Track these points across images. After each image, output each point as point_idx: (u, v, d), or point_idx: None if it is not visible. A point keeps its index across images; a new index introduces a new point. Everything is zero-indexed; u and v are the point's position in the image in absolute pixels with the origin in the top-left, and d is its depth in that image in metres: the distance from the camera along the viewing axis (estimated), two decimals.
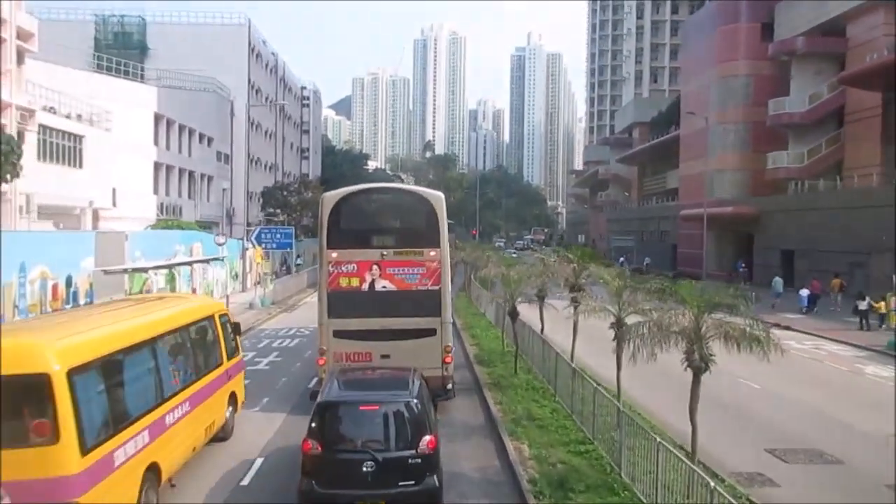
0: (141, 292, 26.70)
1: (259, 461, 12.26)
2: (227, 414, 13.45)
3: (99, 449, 8.37)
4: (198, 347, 12.66)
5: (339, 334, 14.85)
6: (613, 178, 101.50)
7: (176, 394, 11.03)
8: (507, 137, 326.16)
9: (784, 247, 46.96)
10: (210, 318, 13.50)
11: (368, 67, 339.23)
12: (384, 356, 14.75)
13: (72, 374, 8.08)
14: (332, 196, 15.52)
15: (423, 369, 13.85)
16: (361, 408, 9.47)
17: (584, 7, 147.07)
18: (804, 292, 35.71)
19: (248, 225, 58.91)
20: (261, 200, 68.21)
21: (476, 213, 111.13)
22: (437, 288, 14.99)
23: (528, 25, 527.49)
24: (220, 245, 30.31)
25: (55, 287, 20.85)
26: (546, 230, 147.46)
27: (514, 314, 17.94)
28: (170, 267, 22.08)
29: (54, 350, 8.22)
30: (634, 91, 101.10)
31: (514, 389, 16.59)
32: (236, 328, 14.77)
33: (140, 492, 9.21)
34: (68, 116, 38.90)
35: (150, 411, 9.97)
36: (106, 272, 20.85)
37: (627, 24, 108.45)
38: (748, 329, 9.28)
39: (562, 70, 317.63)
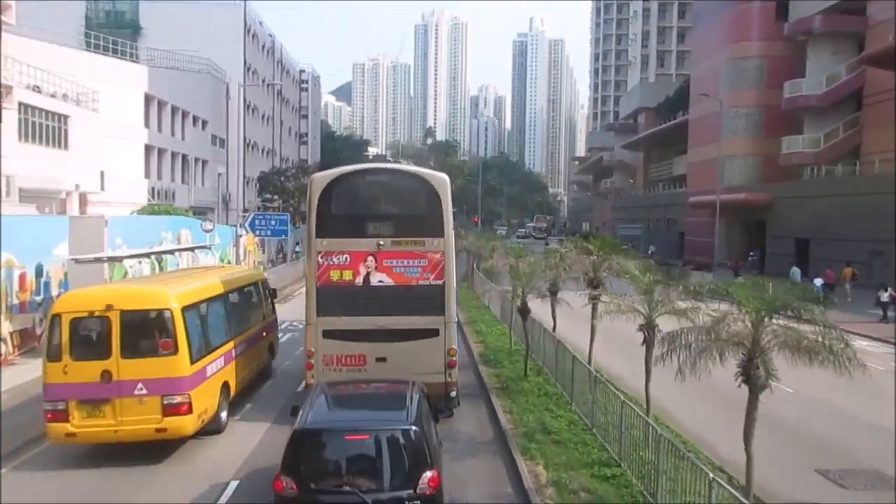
0: None
1: (233, 485, 10.56)
2: (267, 359, 17.29)
3: (198, 363, 12.12)
4: (249, 304, 16.49)
5: (328, 335, 13.13)
6: (618, 165, 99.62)
7: (238, 335, 14.69)
8: (508, 124, 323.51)
9: (799, 235, 45.14)
10: (256, 283, 17.45)
11: (369, 53, 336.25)
12: (380, 360, 13.07)
13: (183, 310, 11.92)
14: (322, 177, 13.72)
15: (423, 374, 12.31)
16: (347, 437, 7.68)
17: None
18: (818, 281, 34.22)
19: (245, 211, 57.16)
20: (257, 186, 66.43)
21: (478, 200, 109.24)
22: (440, 283, 13.23)
23: (530, 11, 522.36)
24: (207, 232, 28.53)
25: (22, 276, 19.08)
26: (548, 218, 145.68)
27: (524, 311, 16.19)
28: (148, 255, 20.37)
29: (173, 294, 12.12)
30: (640, 75, 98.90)
31: (525, 395, 14.88)
32: (273, 293, 18.37)
33: (218, 399, 12.96)
34: (53, 95, 37.04)
35: (223, 344, 13.66)
36: (77, 261, 19.11)
37: (633, 7, 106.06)
38: (824, 340, 7.55)
39: (564, 56, 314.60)
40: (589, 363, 14.68)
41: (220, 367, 13.19)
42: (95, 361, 11.29)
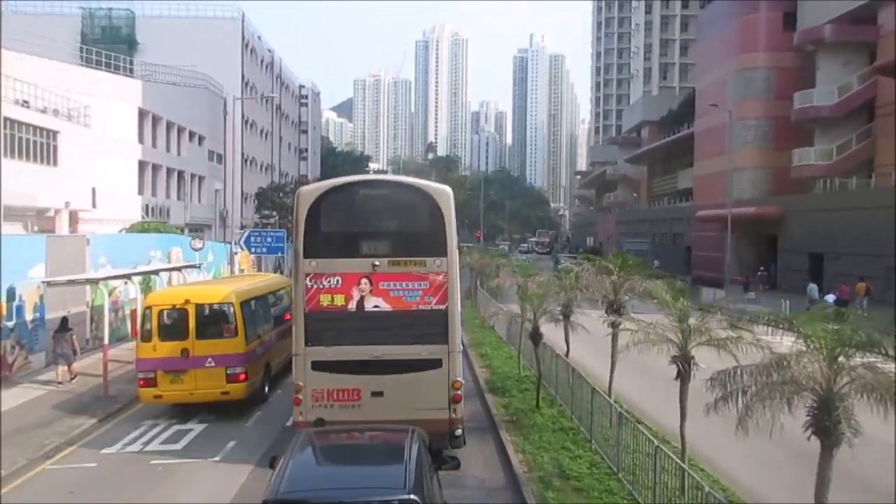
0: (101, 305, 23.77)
1: None
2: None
3: (251, 344, 15.36)
4: (283, 304, 19.00)
5: (318, 367, 11.66)
6: (621, 179, 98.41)
7: (274, 327, 17.73)
8: (509, 139, 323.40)
9: (812, 250, 43.70)
10: (285, 287, 19.77)
11: (370, 69, 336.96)
12: (376, 394, 11.63)
13: (241, 304, 15.45)
14: (309, 191, 12.26)
15: (424, 410, 11.09)
16: None
17: (588, 7, 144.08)
18: (830, 297, 33.04)
19: (242, 227, 55.94)
20: (255, 202, 65.26)
21: (480, 215, 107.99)
22: (442, 307, 11.74)
23: (531, 26, 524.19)
24: (196, 250, 27.17)
25: None
26: (551, 233, 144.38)
27: (536, 337, 14.72)
28: (129, 277, 18.99)
29: (233, 292, 15.71)
30: (643, 89, 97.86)
31: (539, 431, 13.40)
32: None
33: (262, 374, 16.18)
34: (44, 111, 35.87)
35: (266, 333, 16.92)
36: (49, 284, 17.72)
37: (636, 20, 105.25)
38: None
39: (564, 72, 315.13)
40: (609, 393, 13.27)
41: (264, 351, 16.46)
42: (177, 341, 14.76)
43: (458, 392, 11.78)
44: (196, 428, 14.43)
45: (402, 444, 7.46)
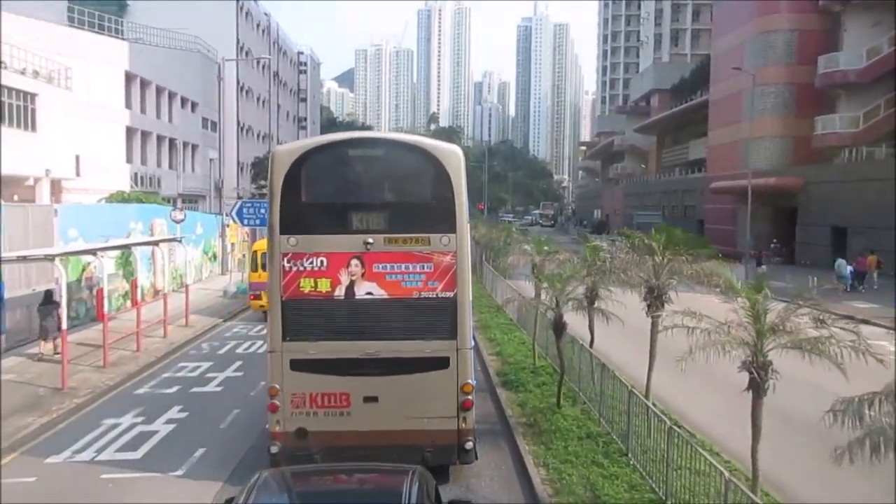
0: (80, 280, 21.82)
1: None
2: None
3: None
4: None
5: (298, 366, 9.52)
6: (629, 149, 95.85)
7: None
8: (512, 110, 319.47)
9: (835, 223, 41.47)
10: None
11: (372, 39, 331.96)
12: (369, 399, 9.54)
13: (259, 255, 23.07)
14: (287, 151, 9.94)
15: (427, 419, 9.24)
16: None
17: None
18: (848, 269, 32.19)
19: (239, 198, 53.80)
20: (252, 172, 62.97)
21: (483, 186, 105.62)
22: (450, 295, 9.58)
23: None
24: (177, 222, 25.07)
25: None
26: (555, 205, 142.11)
27: (559, 328, 12.57)
28: (94, 252, 16.90)
29: (259, 246, 23.55)
30: (653, 56, 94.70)
31: (563, 437, 11.33)
32: None
33: None
34: (22, 72, 33.51)
35: None
36: None
37: None
38: None
39: (568, 41, 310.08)
40: (647, 395, 11.22)
41: None
42: None
43: (469, 397, 9.67)
44: (162, 430, 12.43)
45: (398, 491, 5.42)
